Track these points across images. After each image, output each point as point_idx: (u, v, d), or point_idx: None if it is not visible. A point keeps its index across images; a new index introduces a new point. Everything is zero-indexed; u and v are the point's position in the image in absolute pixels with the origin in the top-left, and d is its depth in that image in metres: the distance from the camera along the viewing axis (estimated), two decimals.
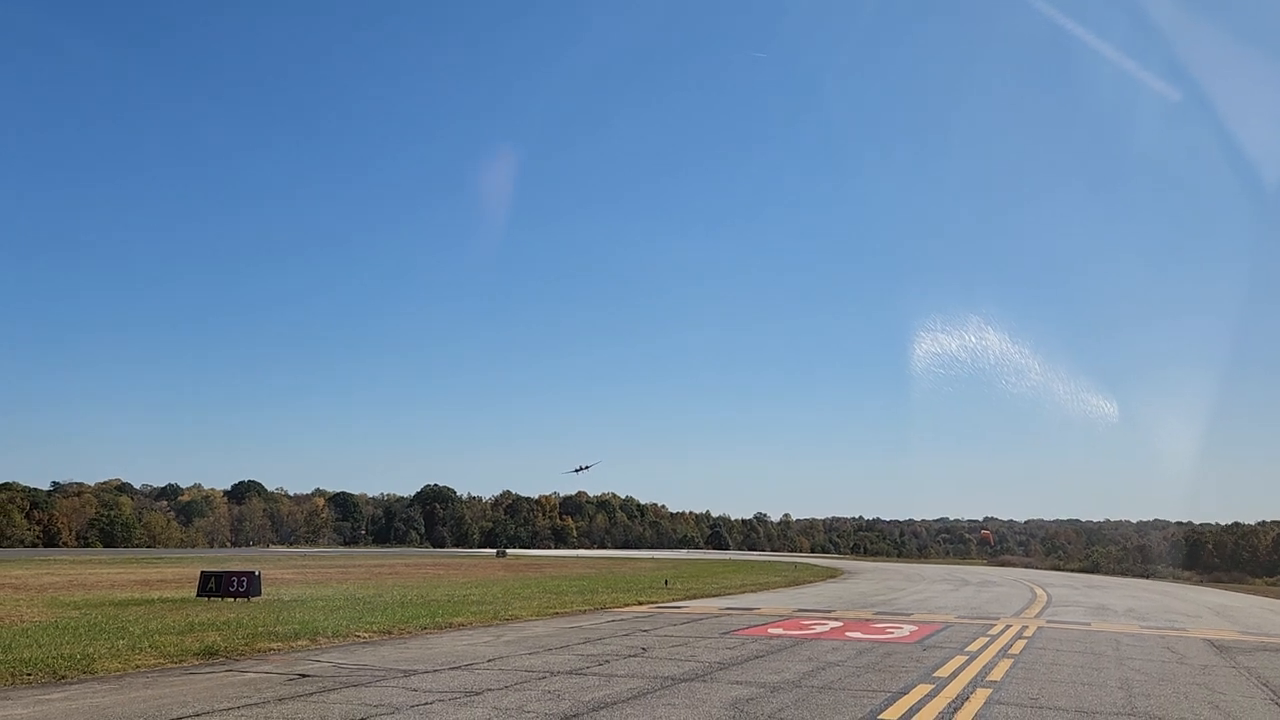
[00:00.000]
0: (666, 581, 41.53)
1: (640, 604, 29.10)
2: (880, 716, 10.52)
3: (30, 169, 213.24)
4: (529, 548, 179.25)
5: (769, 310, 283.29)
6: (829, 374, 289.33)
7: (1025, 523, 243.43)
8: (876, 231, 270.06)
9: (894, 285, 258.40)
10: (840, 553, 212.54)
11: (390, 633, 19.18)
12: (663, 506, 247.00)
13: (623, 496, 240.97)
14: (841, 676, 13.72)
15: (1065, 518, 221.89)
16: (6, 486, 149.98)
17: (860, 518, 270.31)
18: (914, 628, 22.32)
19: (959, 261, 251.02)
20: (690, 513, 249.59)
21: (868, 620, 24.36)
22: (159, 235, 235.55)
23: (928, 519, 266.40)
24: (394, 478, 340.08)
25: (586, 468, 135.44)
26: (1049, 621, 25.49)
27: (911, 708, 11.14)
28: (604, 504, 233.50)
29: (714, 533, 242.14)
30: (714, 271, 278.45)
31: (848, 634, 20.43)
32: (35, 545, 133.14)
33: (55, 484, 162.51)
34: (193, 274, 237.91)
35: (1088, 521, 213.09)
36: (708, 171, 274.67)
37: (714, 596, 34.14)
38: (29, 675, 12.74)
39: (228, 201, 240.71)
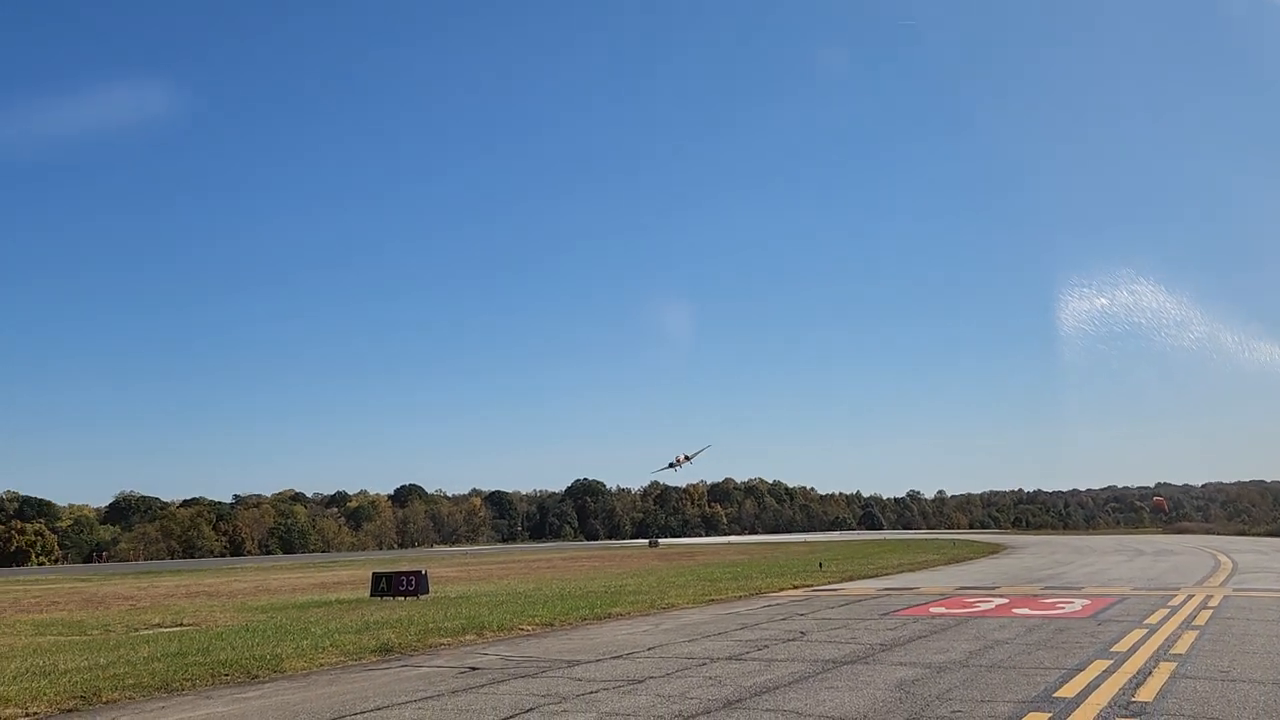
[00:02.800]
0: (821, 564, 41.07)
1: (795, 588, 28.90)
2: (1056, 694, 10.14)
3: (220, 202, 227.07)
4: (680, 536, 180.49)
5: (907, 282, 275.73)
6: (975, 345, 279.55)
7: (1203, 486, 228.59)
8: (1011, 191, 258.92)
9: (1033, 246, 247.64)
10: (1000, 527, 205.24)
11: (552, 625, 19.68)
12: (811, 489, 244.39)
13: (770, 481, 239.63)
14: (1011, 654, 13.29)
15: (1248, 479, 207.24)
16: (194, 501, 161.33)
17: (1020, 490, 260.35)
18: (1086, 601, 21.38)
19: (1102, 213, 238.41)
20: (840, 494, 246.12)
21: (1035, 596, 23.47)
22: (318, 257, 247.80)
23: (1094, 488, 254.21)
24: (545, 474, 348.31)
25: (688, 458, 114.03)
26: (1236, 590, 23.96)
27: (1089, 684, 10.69)
28: (752, 490, 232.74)
29: (866, 513, 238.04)
30: (844, 247, 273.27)
31: (1015, 610, 19.74)
32: (223, 554, 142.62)
33: (237, 497, 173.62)
34: (350, 296, 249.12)
35: (1274, 482, 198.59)
36: (841, 153, 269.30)
37: (870, 577, 33.58)
38: (226, 675, 13.67)
39: (380, 221, 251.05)
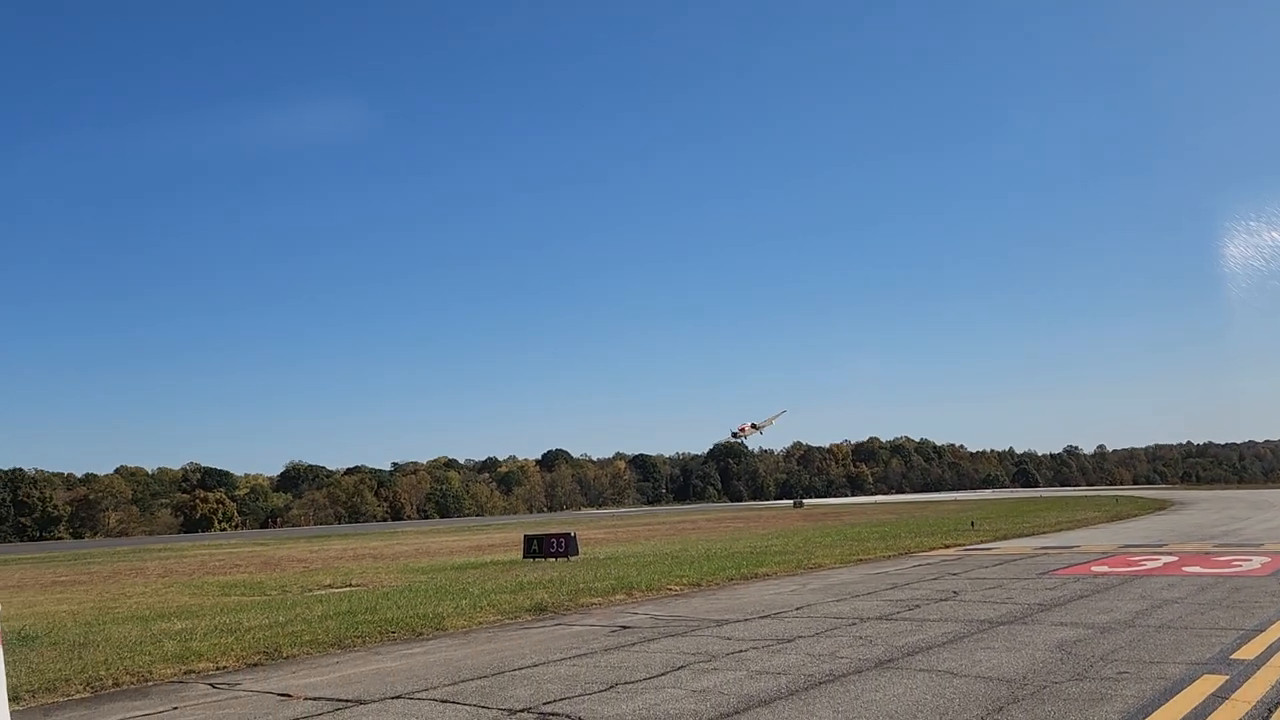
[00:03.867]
0: (973, 523, 39.98)
1: (946, 547, 28.26)
2: (1234, 656, 9.61)
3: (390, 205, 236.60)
4: (824, 497, 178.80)
5: (1058, 232, 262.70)
6: (1134, 291, 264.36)
7: None
8: (1166, 131, 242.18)
9: (1190, 186, 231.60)
10: (1167, 483, 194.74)
11: (699, 585, 19.89)
12: (961, 447, 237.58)
13: (917, 439, 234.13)
14: (1182, 614, 12.65)
15: None
16: (357, 470, 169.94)
17: (1188, 443, 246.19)
18: (1266, 559, 20.11)
19: (1262, 142, 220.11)
20: (992, 451, 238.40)
21: (1208, 554, 22.22)
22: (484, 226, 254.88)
23: (1271, 439, 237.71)
24: (688, 437, 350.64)
25: (755, 427, 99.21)
26: None
27: (1271, 645, 10.08)
28: (898, 448, 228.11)
29: (1020, 470, 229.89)
30: (994, 199, 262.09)
31: (1185, 569, 18.76)
32: (384, 519, 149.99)
33: (395, 464, 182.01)
34: (499, 282, 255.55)
35: None
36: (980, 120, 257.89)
37: (1026, 536, 32.48)
38: (393, 633, 14.42)
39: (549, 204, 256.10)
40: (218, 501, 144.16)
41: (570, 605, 17.05)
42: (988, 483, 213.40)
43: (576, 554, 29.32)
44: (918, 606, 14.70)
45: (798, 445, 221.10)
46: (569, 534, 30.37)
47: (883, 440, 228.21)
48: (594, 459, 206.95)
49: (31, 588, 29.06)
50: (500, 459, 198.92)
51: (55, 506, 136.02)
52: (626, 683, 9.73)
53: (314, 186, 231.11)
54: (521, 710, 8.65)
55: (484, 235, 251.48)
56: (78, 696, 10.52)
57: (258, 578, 29.00)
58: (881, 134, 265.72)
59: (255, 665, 12.14)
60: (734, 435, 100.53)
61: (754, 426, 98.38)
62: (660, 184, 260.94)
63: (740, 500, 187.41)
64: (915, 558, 25.02)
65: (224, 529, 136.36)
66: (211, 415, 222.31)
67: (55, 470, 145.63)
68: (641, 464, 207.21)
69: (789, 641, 11.84)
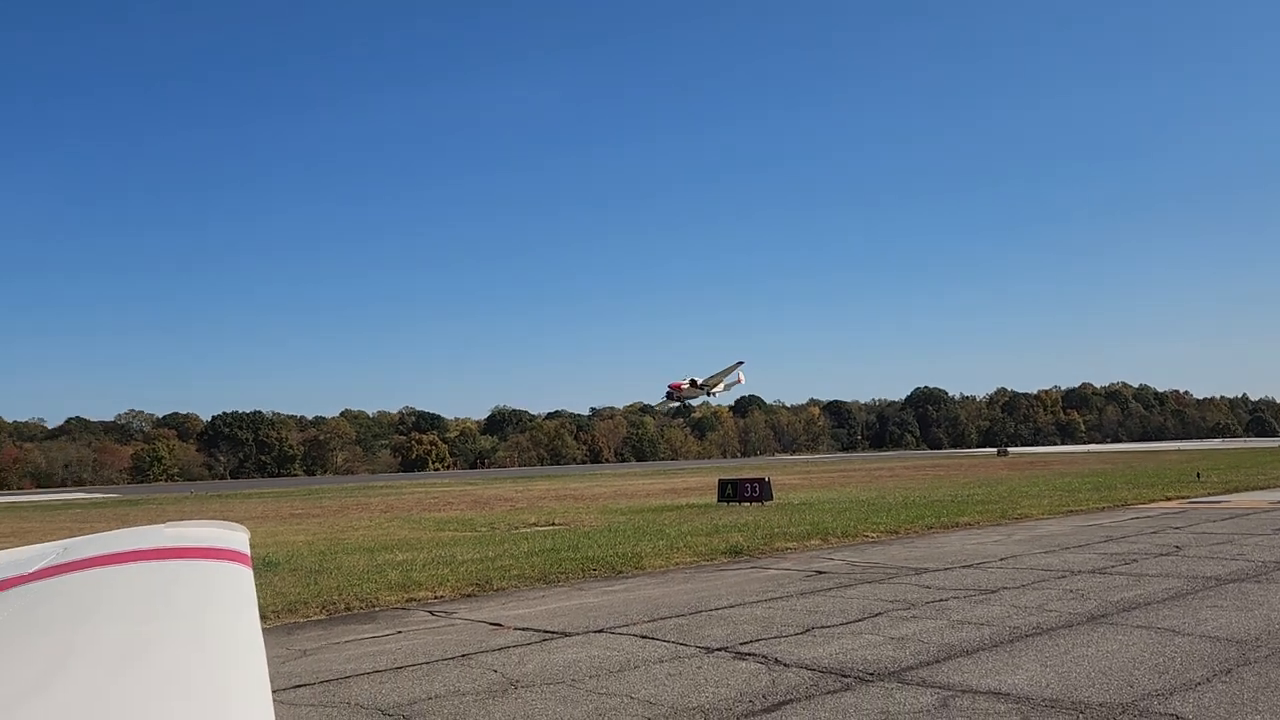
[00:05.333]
0: (1199, 474, 37.14)
1: (1168, 499, 26.45)
2: None
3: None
4: (1031, 445, 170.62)
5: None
6: None
7: None
8: None
9: None
10: None
11: (896, 532, 19.54)
12: (1186, 393, 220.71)
13: (1135, 385, 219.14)
14: None
15: None
16: (558, 414, 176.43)
17: None
18: None
19: None
20: (1221, 398, 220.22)
21: None
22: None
23: None
24: (885, 383, 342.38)
25: (699, 385, 71.47)
26: None
27: None
28: (1114, 395, 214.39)
29: (1255, 418, 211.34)
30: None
31: None
32: (583, 462, 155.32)
33: (593, 409, 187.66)
34: (704, 230, 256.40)
35: None
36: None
37: (1261, 489, 29.91)
38: (594, 570, 14.99)
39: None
40: (431, 443, 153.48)
41: (765, 549, 17.16)
42: (1217, 432, 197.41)
43: (770, 499, 29.38)
44: (1135, 561, 13.89)
45: (1001, 391, 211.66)
46: (763, 479, 30.45)
47: (1096, 386, 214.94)
48: (787, 405, 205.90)
49: (272, 519, 31.99)
50: (693, 404, 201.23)
51: (290, 446, 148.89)
52: (822, 627, 9.74)
53: (524, 154, 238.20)
54: (718, 649, 8.84)
55: (677, 201, 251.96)
56: (315, 618, 11.57)
57: (468, 515, 30.75)
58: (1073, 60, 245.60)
59: (469, 596, 12.94)
60: (669, 396, 74.63)
61: (697, 384, 72.07)
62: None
63: (939, 448, 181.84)
64: (1133, 510, 23.58)
65: (437, 469, 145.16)
66: (425, 362, 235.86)
67: (289, 413, 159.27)
68: (836, 410, 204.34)
69: (992, 593, 11.48)
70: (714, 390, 73.67)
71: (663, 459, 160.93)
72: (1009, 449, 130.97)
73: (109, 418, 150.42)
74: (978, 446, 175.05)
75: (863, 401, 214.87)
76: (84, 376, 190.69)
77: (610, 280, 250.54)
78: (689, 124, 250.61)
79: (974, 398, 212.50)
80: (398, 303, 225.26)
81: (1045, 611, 10.07)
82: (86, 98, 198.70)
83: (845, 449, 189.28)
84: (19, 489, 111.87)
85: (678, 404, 79.44)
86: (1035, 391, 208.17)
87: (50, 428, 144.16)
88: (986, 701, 6.76)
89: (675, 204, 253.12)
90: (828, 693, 7.18)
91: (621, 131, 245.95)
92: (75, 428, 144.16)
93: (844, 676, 7.64)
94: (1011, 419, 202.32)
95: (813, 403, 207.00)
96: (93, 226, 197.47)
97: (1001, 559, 14.72)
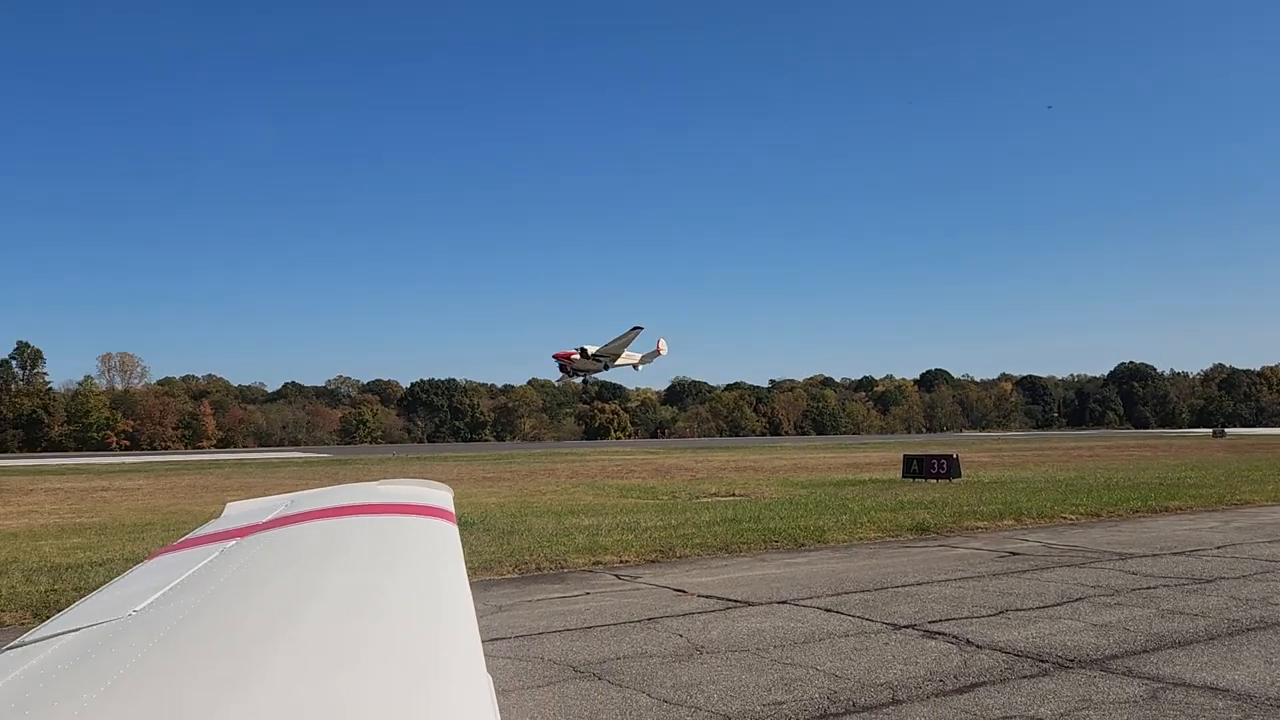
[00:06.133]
0: None
1: None
2: None
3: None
4: (1254, 426, 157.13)
5: None
6: None
7: None
8: None
9: None
10: None
11: (1098, 515, 18.50)
12: None
13: None
14: None
15: None
16: (737, 386, 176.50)
17: None
18: None
19: None
20: None
21: None
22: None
23: None
24: (1084, 358, 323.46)
25: (592, 356, 61.01)
26: None
27: None
28: None
29: None
30: None
31: None
32: (762, 434, 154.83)
33: (773, 381, 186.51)
34: (892, 208, 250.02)
35: None
36: None
37: None
38: (775, 542, 14.97)
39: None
40: (613, 412, 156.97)
41: (953, 527, 16.63)
42: None
43: (959, 476, 28.40)
44: None
45: (1219, 368, 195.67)
46: (951, 455, 29.45)
47: None
48: (976, 379, 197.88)
49: (466, 481, 33.59)
50: (877, 378, 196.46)
51: (481, 412, 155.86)
52: (1017, 609, 9.37)
53: (732, 122, 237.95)
54: (906, 626, 8.65)
55: (863, 170, 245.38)
56: (509, 576, 12.11)
57: (650, 483, 31.30)
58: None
59: (653, 562, 13.20)
60: (560, 368, 63.83)
61: (588, 354, 61.07)
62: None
63: (1146, 428, 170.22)
64: None
65: (618, 437, 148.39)
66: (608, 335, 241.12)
67: (481, 381, 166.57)
68: (1030, 385, 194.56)
69: (1208, 582, 10.70)
70: (620, 363, 63.65)
71: (844, 433, 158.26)
72: (1226, 430, 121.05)
73: (320, 383, 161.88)
74: (1190, 427, 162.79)
75: (1060, 377, 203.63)
76: (299, 345, 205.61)
77: (796, 254, 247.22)
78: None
79: (1186, 374, 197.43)
80: (582, 275, 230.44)
81: (1271, 605, 9.31)
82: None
83: (1040, 426, 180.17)
84: (243, 447, 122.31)
85: (578, 377, 67.78)
86: (1259, 368, 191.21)
87: (270, 392, 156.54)
88: (1202, 696, 6.33)
89: (839, 182, 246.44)
90: (1024, 677, 6.91)
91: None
92: (291, 392, 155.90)
93: (1041, 661, 7.33)
94: (1230, 397, 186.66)
95: (1005, 378, 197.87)
96: (289, 209, 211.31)
97: (1219, 547, 13.68)
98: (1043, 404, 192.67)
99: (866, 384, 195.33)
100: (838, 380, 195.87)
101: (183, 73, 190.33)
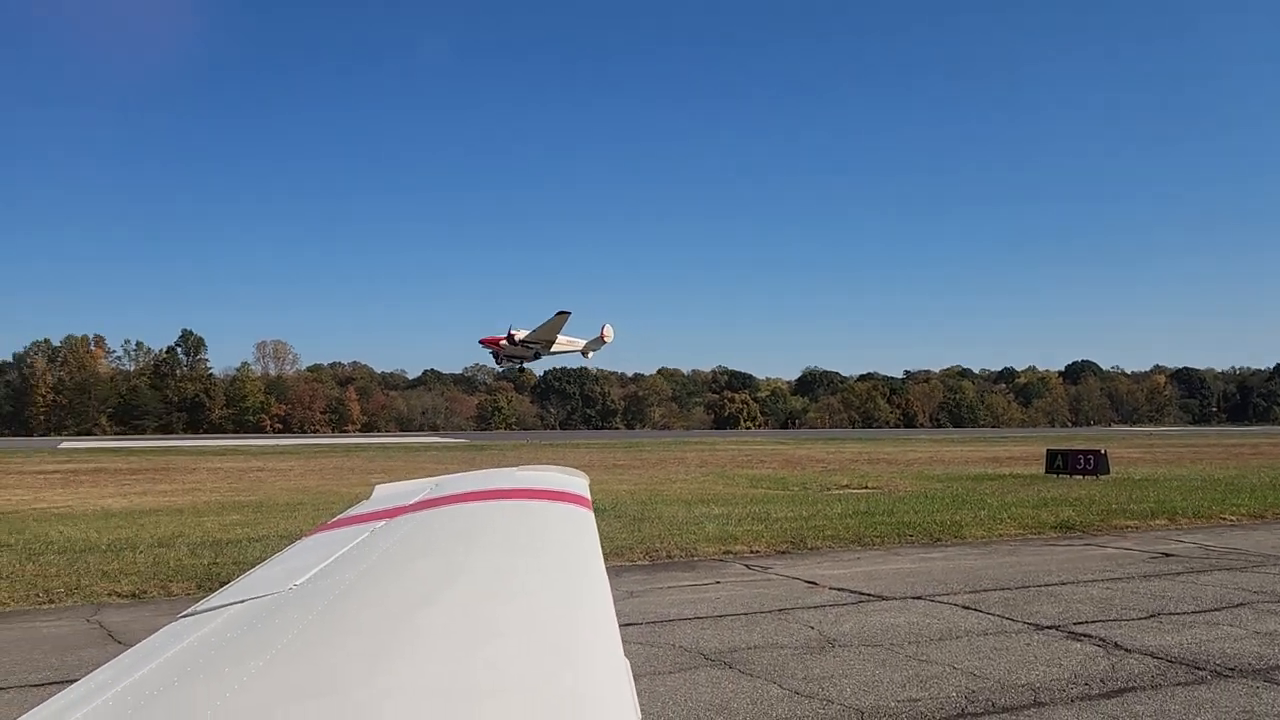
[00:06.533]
0: None
1: None
2: None
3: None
4: None
5: None
6: None
7: None
8: None
9: None
10: None
11: (1262, 516, 17.37)
12: None
13: None
14: None
15: None
16: (869, 376, 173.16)
17: None
18: None
19: None
20: None
21: None
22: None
23: None
24: (1247, 349, 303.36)
25: (521, 343, 58.21)
26: None
27: None
28: None
29: None
30: None
31: None
32: (896, 425, 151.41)
33: (907, 372, 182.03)
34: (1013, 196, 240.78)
35: None
36: None
37: None
38: (910, 536, 14.64)
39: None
40: (743, 402, 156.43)
41: (1100, 526, 15.91)
42: None
43: (1107, 473, 27.11)
44: None
45: None
46: (1098, 451, 28.14)
47: None
48: (1126, 371, 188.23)
49: (597, 468, 34.09)
50: (1018, 369, 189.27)
51: (612, 401, 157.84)
52: (1171, 613, 8.90)
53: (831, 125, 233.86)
54: (1049, 627, 8.34)
55: (1001, 148, 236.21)
56: (639, 563, 12.24)
57: (780, 474, 31.06)
58: None
59: (783, 553, 13.10)
60: (496, 355, 60.93)
61: (515, 340, 57.87)
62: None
63: None
64: None
65: (748, 427, 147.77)
66: (737, 323, 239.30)
67: (610, 370, 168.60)
68: (1186, 378, 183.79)
69: None
70: (562, 349, 60.77)
71: (982, 425, 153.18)
72: None
73: (458, 370, 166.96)
74: None
75: (1219, 370, 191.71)
76: (437, 333, 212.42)
77: (932, 240, 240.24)
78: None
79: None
80: (711, 266, 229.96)
81: None
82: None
83: (1196, 422, 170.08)
84: (385, 431, 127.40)
85: (513, 363, 64.61)
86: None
87: (410, 379, 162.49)
88: None
89: (977, 162, 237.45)
90: (1178, 684, 6.57)
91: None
92: (430, 379, 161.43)
93: (1197, 669, 6.95)
94: None
95: (1158, 370, 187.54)
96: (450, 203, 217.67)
97: None
98: (1200, 398, 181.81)
99: (1007, 375, 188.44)
100: (976, 371, 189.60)
101: (326, 62, 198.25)
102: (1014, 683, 6.62)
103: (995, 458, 42.06)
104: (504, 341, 58.96)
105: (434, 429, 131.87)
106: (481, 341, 60.91)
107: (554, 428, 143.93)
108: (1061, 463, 28.20)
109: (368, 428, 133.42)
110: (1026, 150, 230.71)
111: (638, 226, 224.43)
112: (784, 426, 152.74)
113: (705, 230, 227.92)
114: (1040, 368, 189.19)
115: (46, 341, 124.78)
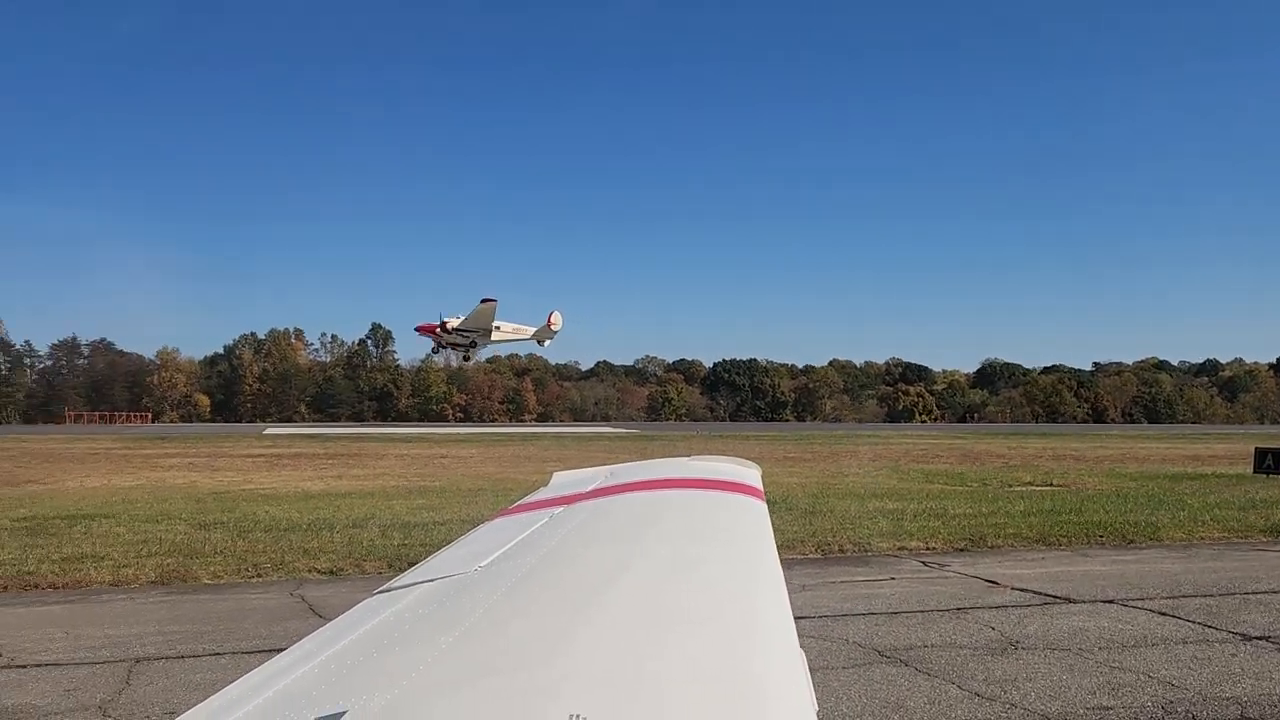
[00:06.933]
0: None
1: None
2: None
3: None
4: None
5: None
6: None
7: None
8: None
9: None
10: None
11: None
12: None
13: None
14: None
15: None
16: (1055, 369, 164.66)
17: None
18: None
19: None
20: None
21: None
22: None
23: None
24: None
25: (457, 331, 58.29)
26: None
27: None
28: None
29: None
30: None
31: None
32: (1083, 420, 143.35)
33: (1096, 364, 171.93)
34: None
35: None
36: None
37: None
38: (1100, 537, 13.85)
39: None
40: (918, 395, 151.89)
41: None
42: None
43: None
44: None
45: None
46: None
47: None
48: None
49: (767, 460, 33.83)
50: (1223, 361, 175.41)
51: (782, 392, 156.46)
52: None
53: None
54: (1258, 638, 7.72)
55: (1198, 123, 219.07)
56: (810, 556, 12.11)
57: (958, 469, 29.98)
58: None
59: (961, 550, 12.67)
60: (437, 345, 61.49)
61: (449, 329, 58.22)
62: None
63: None
64: None
65: (923, 421, 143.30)
66: (912, 314, 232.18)
67: (781, 361, 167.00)
68: None
69: None
70: (507, 338, 61.67)
71: (1181, 421, 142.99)
72: None
73: (629, 362, 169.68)
74: None
75: None
76: (608, 326, 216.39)
77: (1124, 224, 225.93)
78: None
79: None
80: (883, 255, 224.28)
81: None
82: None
83: None
84: (559, 421, 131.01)
85: (455, 351, 64.80)
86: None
87: (583, 370, 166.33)
88: None
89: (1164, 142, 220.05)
90: None
91: None
92: (602, 370, 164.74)
93: None
94: None
95: None
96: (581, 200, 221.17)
97: None
98: None
99: (1209, 368, 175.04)
100: (1174, 363, 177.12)
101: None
102: (1217, 695, 6.17)
103: (1196, 455, 39.24)
104: (438, 329, 59.92)
105: (606, 419, 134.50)
106: (417, 329, 62.06)
107: (723, 419, 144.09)
108: (1272, 462, 26.00)
109: (543, 417, 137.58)
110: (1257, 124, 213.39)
111: (798, 220, 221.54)
112: (961, 420, 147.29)
113: (873, 224, 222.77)
114: (1248, 360, 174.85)
115: (253, 335, 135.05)
